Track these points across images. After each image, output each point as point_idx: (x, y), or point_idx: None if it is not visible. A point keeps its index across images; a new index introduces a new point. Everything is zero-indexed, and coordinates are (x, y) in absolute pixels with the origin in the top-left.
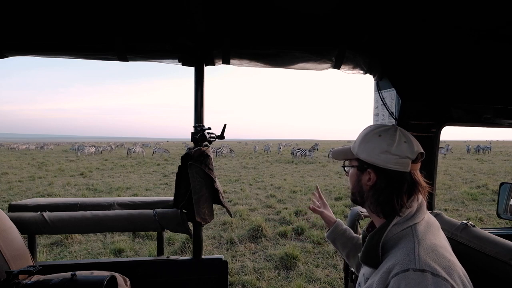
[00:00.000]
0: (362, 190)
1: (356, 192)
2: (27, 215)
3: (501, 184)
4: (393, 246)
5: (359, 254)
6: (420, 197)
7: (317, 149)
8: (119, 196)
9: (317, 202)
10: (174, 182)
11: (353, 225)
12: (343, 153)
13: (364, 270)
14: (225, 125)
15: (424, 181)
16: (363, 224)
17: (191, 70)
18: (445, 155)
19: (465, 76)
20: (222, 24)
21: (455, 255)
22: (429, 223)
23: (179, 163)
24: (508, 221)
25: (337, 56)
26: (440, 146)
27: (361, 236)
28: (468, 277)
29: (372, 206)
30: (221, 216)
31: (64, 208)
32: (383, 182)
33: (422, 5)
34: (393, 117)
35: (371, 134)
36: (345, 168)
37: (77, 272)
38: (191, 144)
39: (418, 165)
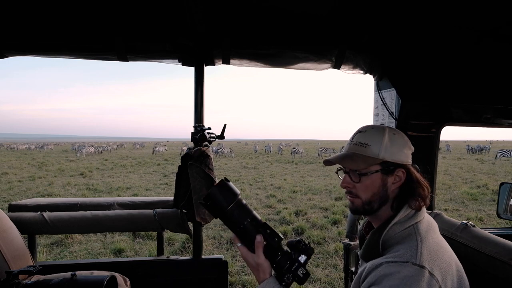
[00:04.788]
0: (387, 194)
1: (377, 200)
2: (27, 215)
3: (501, 184)
4: (396, 243)
5: (358, 252)
6: None
7: None
8: (119, 196)
9: None
10: (174, 182)
11: (353, 225)
12: (360, 159)
13: (364, 267)
14: (225, 125)
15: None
16: None
17: (191, 70)
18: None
19: (465, 76)
20: (222, 24)
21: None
22: (430, 222)
23: (179, 163)
24: (508, 221)
25: (337, 56)
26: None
27: (358, 234)
28: (463, 277)
29: (395, 204)
30: None
31: (64, 208)
32: (410, 177)
33: (422, 5)
34: (393, 117)
35: (388, 135)
36: (360, 177)
37: (77, 272)
38: (191, 144)
39: None
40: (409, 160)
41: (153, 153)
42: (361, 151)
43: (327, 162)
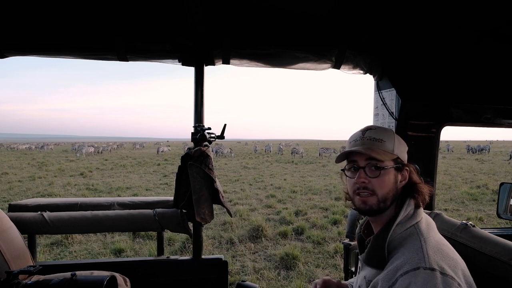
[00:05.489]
0: (397, 192)
1: (391, 197)
2: (27, 215)
3: (501, 184)
4: (399, 245)
5: (360, 256)
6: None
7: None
8: (119, 196)
9: None
10: (174, 182)
11: (353, 225)
12: (383, 153)
13: (366, 272)
14: (225, 125)
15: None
16: None
17: (191, 70)
18: None
19: (465, 76)
20: (222, 24)
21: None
22: (428, 222)
23: (179, 163)
24: (508, 221)
25: (337, 56)
26: None
27: (356, 237)
28: (468, 272)
29: (398, 203)
30: (221, 216)
31: (64, 208)
32: (412, 177)
33: (422, 5)
34: (393, 117)
35: (395, 134)
36: (378, 171)
37: (77, 272)
38: (191, 144)
39: None
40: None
41: (157, 153)
42: (378, 146)
43: (342, 157)
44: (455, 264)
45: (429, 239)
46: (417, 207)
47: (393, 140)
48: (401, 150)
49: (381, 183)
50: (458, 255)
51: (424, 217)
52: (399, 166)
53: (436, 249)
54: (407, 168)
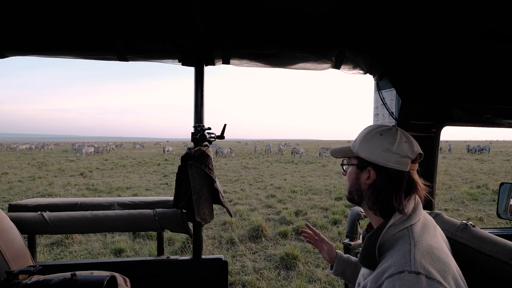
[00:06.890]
0: (361, 188)
1: (354, 191)
2: (27, 215)
3: (501, 184)
4: (390, 247)
5: (358, 255)
6: (417, 197)
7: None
8: (119, 196)
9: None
10: (174, 182)
11: (353, 225)
12: (342, 152)
13: (363, 270)
14: (225, 125)
15: (422, 182)
16: (363, 224)
17: (191, 70)
18: None
19: (465, 76)
20: (222, 24)
21: (453, 255)
22: (425, 224)
23: (179, 163)
24: (508, 221)
25: (337, 56)
26: None
27: (361, 236)
28: (463, 278)
29: (370, 204)
30: (221, 216)
31: (64, 208)
32: (383, 180)
33: (422, 5)
34: (393, 117)
35: (373, 133)
36: (344, 167)
37: (77, 272)
38: (191, 144)
39: (416, 165)
40: (388, 164)
41: (164, 152)
42: (346, 148)
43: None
44: (446, 268)
45: (420, 243)
46: (415, 209)
47: (359, 140)
48: (368, 150)
49: (347, 177)
50: (453, 260)
51: (421, 219)
52: (361, 165)
53: (426, 253)
54: (371, 169)
